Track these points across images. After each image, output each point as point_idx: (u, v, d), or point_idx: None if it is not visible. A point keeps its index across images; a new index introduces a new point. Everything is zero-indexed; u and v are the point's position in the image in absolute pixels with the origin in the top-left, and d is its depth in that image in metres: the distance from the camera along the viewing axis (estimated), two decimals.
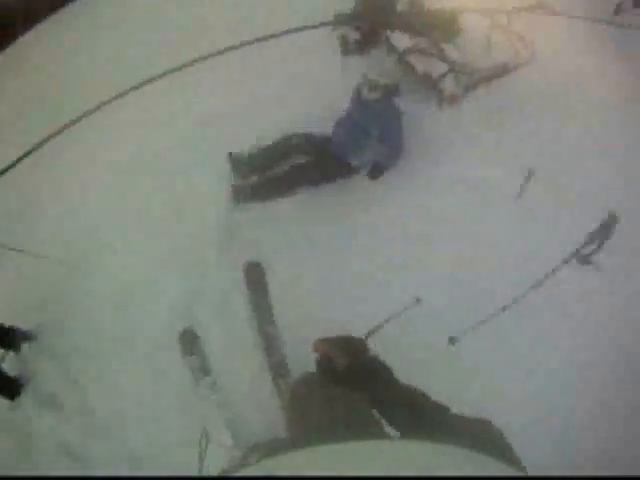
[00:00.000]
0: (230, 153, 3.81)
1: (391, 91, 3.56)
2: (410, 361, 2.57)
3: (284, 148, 3.82)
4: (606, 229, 3.31)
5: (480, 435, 0.91)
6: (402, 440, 0.87)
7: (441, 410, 1.04)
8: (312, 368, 2.19)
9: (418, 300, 3.09)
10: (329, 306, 3.20)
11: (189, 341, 3.21)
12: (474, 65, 4.41)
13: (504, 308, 3.07)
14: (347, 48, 4.71)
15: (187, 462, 2.32)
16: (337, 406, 1.65)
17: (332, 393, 1.60)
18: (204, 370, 3.13)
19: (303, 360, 2.90)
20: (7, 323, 3.18)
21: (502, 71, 4.53)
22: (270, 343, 3.20)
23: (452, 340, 3.09)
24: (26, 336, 3.27)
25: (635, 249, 3.37)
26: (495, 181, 3.77)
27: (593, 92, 4.18)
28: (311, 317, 3.18)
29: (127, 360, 3.20)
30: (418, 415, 1.02)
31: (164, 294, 3.40)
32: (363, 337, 1.21)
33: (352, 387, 1.08)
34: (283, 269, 3.45)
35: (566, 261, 3.27)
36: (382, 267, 3.40)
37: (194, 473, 2.27)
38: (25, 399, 3.12)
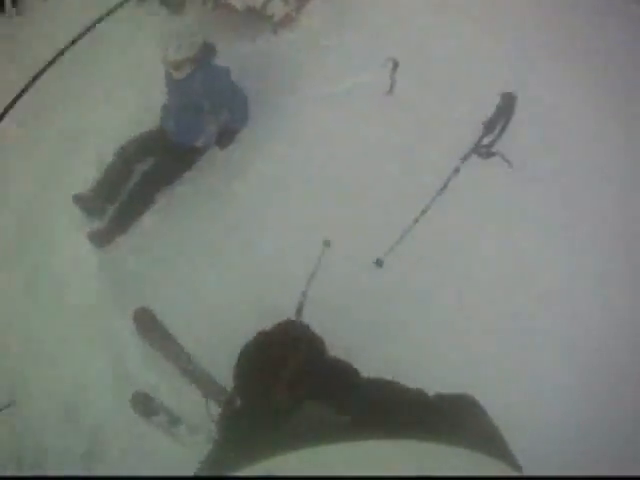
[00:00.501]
0: (74, 196, 3.29)
1: (202, 58, 3.11)
2: (346, 305, 2.61)
3: (125, 161, 3.30)
4: (504, 113, 2.77)
5: (463, 411, 0.93)
6: (402, 440, 0.80)
7: (420, 396, 0.98)
8: None
9: (327, 243, 2.81)
10: (242, 307, 2.82)
11: (143, 403, 2.92)
12: None
13: (415, 220, 2.63)
14: (173, 10, 4.18)
15: None
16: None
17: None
18: (173, 422, 2.89)
19: None
20: None
21: None
22: (199, 381, 2.87)
23: (378, 263, 2.83)
24: None
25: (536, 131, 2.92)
26: (364, 84, 3.33)
27: None
28: (229, 327, 2.75)
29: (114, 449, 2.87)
30: (397, 410, 0.95)
31: (101, 371, 3.02)
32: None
33: (315, 398, 0.99)
34: (178, 291, 3.01)
35: (466, 158, 2.75)
36: (280, 232, 3.02)
37: None
38: None
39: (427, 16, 3.46)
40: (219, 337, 2.78)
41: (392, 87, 3.16)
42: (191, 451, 2.75)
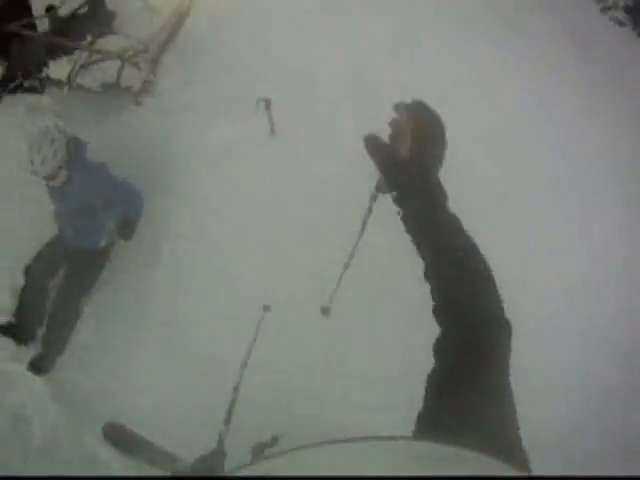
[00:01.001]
0: None
1: (73, 158, 2.96)
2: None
3: (35, 281, 3.18)
4: None
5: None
6: (402, 440, 0.75)
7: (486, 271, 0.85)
8: None
9: (267, 307, 2.68)
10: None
11: None
12: (143, 37, 3.79)
13: (346, 266, 2.66)
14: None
15: None
16: None
17: None
18: None
19: None
20: None
21: (178, 22, 4.00)
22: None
23: (324, 311, 2.56)
24: None
25: None
26: (245, 131, 3.33)
27: None
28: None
29: None
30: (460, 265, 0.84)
31: None
32: None
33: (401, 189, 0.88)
34: (136, 396, 2.94)
35: (375, 197, 2.77)
36: (209, 310, 2.98)
37: None
38: None
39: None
40: (186, 430, 2.76)
41: (273, 127, 3.18)
42: None
